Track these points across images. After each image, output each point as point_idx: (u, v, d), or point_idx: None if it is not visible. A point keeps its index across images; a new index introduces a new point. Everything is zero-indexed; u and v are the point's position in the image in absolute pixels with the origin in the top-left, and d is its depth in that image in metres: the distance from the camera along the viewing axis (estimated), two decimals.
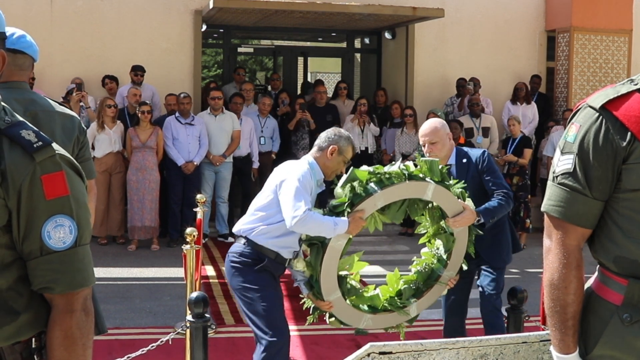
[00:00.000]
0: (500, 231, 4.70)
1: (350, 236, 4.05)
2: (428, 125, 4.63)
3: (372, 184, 4.04)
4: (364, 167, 4.12)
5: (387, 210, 4.15)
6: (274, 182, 4.13)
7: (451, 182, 4.26)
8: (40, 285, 1.79)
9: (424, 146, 4.58)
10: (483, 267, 4.70)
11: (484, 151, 4.69)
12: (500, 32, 12.03)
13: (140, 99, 9.61)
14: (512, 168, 9.94)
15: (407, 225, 10.54)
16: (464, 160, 4.61)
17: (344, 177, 4.10)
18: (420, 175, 4.14)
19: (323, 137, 4.30)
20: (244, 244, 4.14)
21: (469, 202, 4.29)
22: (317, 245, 4.03)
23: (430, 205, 4.28)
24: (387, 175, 4.05)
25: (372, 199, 4.01)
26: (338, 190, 4.12)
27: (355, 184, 4.05)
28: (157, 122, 9.50)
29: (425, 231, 4.47)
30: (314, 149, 4.32)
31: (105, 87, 10.13)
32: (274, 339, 3.98)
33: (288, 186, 4.01)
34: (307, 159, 4.25)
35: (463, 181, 4.36)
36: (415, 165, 4.19)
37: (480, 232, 4.38)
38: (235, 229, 4.27)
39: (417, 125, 10.47)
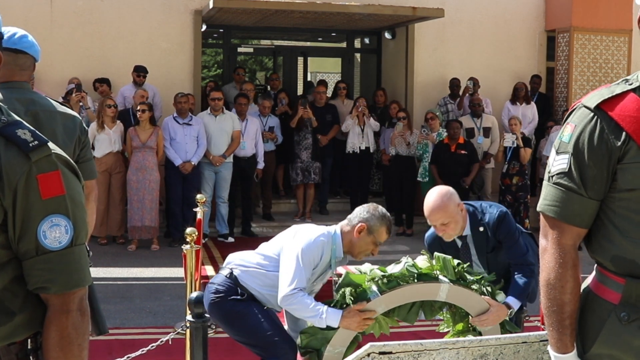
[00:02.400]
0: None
1: (354, 337, 3.59)
2: (434, 204, 3.91)
3: (372, 287, 3.57)
4: (365, 266, 3.68)
5: (394, 313, 3.64)
6: (286, 238, 3.90)
7: (472, 277, 3.69)
8: (35, 285, 1.79)
9: (434, 226, 3.99)
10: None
11: (499, 214, 4.03)
12: (500, 32, 12.03)
13: (147, 100, 9.61)
14: (511, 168, 9.95)
15: (406, 226, 10.54)
16: (481, 229, 4.02)
17: (339, 280, 3.67)
18: (435, 272, 3.61)
19: (356, 212, 3.92)
20: (227, 275, 3.95)
21: (500, 296, 3.77)
22: (313, 354, 3.66)
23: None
24: (385, 280, 3.56)
25: (371, 305, 3.56)
26: (334, 294, 3.71)
27: (348, 290, 3.59)
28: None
29: (448, 329, 3.93)
30: (345, 221, 3.94)
31: (97, 91, 10.08)
32: (278, 359, 3.85)
33: (289, 256, 3.75)
34: (334, 229, 3.90)
35: (494, 274, 3.82)
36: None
37: (518, 327, 3.86)
38: (228, 259, 4.07)
39: (412, 125, 10.49)
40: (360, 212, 3.90)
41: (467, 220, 4.02)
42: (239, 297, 3.89)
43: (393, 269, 3.60)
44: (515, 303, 3.83)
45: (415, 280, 3.57)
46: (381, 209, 3.93)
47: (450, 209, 3.89)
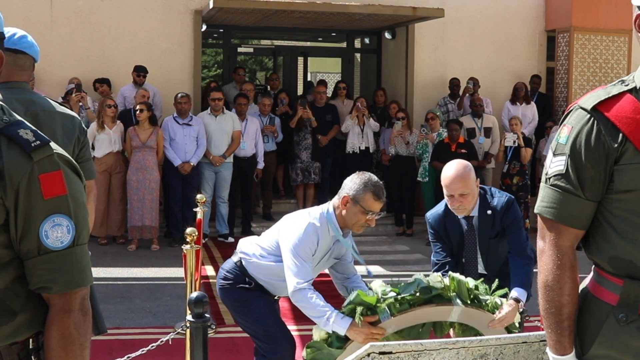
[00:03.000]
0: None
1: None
2: (456, 173, 3.93)
3: (384, 306, 3.48)
4: (376, 283, 3.62)
5: (403, 332, 3.59)
6: (280, 229, 3.88)
7: (486, 296, 3.65)
8: (37, 285, 1.79)
9: (451, 197, 3.96)
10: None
11: (508, 199, 4.10)
12: (500, 32, 12.03)
13: (148, 100, 9.61)
14: (512, 168, 9.96)
15: (406, 226, 10.54)
16: (489, 212, 4.05)
17: (348, 298, 3.58)
18: (451, 292, 3.53)
19: (343, 184, 3.79)
20: (236, 263, 4.01)
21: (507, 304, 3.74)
22: None
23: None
24: (396, 304, 3.49)
25: (381, 325, 3.49)
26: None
27: (359, 309, 3.48)
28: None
29: None
30: (336, 196, 3.82)
31: (97, 92, 10.09)
32: (275, 354, 3.92)
33: (286, 253, 3.72)
34: (327, 208, 3.81)
35: (505, 289, 3.77)
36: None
37: (517, 328, 3.82)
38: (238, 246, 4.11)
39: (411, 125, 10.49)
40: (345, 183, 3.78)
41: (477, 202, 4.06)
42: (246, 285, 3.96)
43: (405, 289, 3.52)
44: (522, 294, 3.84)
45: (428, 303, 3.51)
46: (367, 176, 3.75)
47: (471, 181, 3.94)
